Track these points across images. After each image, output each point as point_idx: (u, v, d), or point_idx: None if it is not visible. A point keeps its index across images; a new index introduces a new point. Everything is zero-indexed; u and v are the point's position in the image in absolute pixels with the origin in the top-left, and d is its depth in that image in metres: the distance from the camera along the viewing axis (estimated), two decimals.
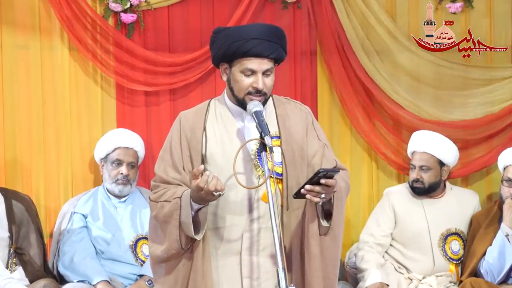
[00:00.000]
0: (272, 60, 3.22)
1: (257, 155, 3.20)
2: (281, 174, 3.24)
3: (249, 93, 3.20)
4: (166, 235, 3.21)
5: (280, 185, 3.25)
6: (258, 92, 3.19)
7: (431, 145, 5.04)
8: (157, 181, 3.29)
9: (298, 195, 3.09)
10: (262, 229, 3.20)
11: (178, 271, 3.24)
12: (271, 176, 3.10)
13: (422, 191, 5.04)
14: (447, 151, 5.07)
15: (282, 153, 3.25)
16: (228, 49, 3.18)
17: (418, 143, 5.07)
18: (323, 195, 3.05)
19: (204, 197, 3.08)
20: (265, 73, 3.20)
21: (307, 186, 3.03)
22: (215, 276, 3.24)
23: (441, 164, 5.05)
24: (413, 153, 5.09)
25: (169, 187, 3.23)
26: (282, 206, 3.24)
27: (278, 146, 3.26)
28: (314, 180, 3.02)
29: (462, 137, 5.25)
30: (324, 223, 3.21)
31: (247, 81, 3.19)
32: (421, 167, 5.02)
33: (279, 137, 3.28)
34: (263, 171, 3.20)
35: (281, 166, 3.25)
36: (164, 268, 3.28)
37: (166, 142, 3.35)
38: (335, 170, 3.06)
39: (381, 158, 5.39)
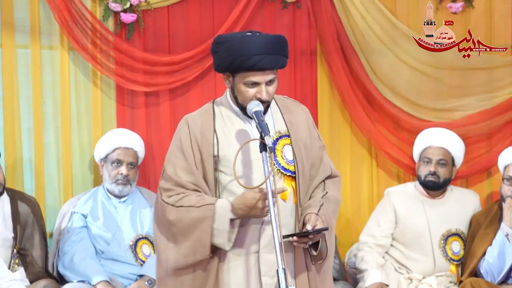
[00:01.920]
0: (274, 69, 3.23)
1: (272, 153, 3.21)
2: (294, 172, 3.27)
3: None
4: (191, 241, 3.18)
5: (293, 183, 3.27)
6: (261, 102, 3.20)
7: (448, 142, 5.05)
8: (171, 183, 3.25)
9: (284, 237, 3.18)
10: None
11: (195, 278, 3.23)
12: (282, 172, 3.19)
13: (437, 186, 5.03)
14: (461, 150, 5.09)
15: (293, 151, 3.28)
16: (231, 64, 3.18)
17: (435, 138, 5.07)
18: (310, 242, 3.21)
19: (253, 214, 3.14)
20: (268, 82, 3.22)
21: (296, 238, 3.15)
22: (229, 276, 3.24)
23: (453, 163, 5.06)
24: (427, 148, 5.07)
25: (188, 192, 3.22)
26: (296, 204, 3.28)
27: (289, 144, 3.29)
28: (301, 234, 3.15)
29: (462, 134, 5.24)
30: (312, 252, 3.28)
31: (251, 92, 3.20)
32: (439, 161, 5.02)
33: (288, 136, 3.31)
34: (278, 169, 3.23)
35: (293, 164, 3.27)
36: (174, 276, 3.25)
37: (174, 146, 3.31)
38: (324, 228, 3.17)
39: (384, 157, 5.38)
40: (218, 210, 3.15)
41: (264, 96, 3.19)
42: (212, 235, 3.16)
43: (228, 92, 3.33)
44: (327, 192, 3.32)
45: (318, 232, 3.14)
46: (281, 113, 3.35)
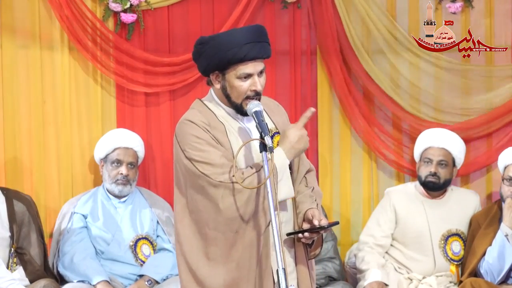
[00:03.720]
0: (263, 59, 3.23)
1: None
2: (291, 168, 3.28)
3: (248, 97, 3.20)
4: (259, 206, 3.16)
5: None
6: (257, 94, 3.21)
7: (449, 142, 5.04)
8: (220, 172, 3.16)
9: (291, 234, 3.23)
10: (283, 223, 3.22)
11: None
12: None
13: (437, 186, 5.02)
14: (461, 151, 5.09)
15: None
16: (222, 59, 3.17)
17: (435, 138, 5.06)
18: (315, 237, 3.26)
19: (302, 147, 3.20)
20: (259, 73, 3.22)
21: (307, 234, 3.18)
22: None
23: (453, 164, 5.06)
24: (427, 148, 5.05)
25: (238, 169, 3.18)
26: (293, 199, 3.31)
27: None
28: (314, 230, 3.18)
29: (462, 135, 5.24)
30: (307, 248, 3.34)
31: (245, 85, 3.19)
32: (439, 162, 5.01)
33: (279, 133, 3.32)
34: None
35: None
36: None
37: (194, 148, 3.18)
38: (336, 222, 3.28)
39: (380, 158, 5.38)
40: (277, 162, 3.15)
41: (259, 87, 3.19)
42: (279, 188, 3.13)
43: (214, 93, 3.31)
44: (313, 188, 3.36)
45: (330, 226, 3.19)
46: (266, 112, 3.34)
